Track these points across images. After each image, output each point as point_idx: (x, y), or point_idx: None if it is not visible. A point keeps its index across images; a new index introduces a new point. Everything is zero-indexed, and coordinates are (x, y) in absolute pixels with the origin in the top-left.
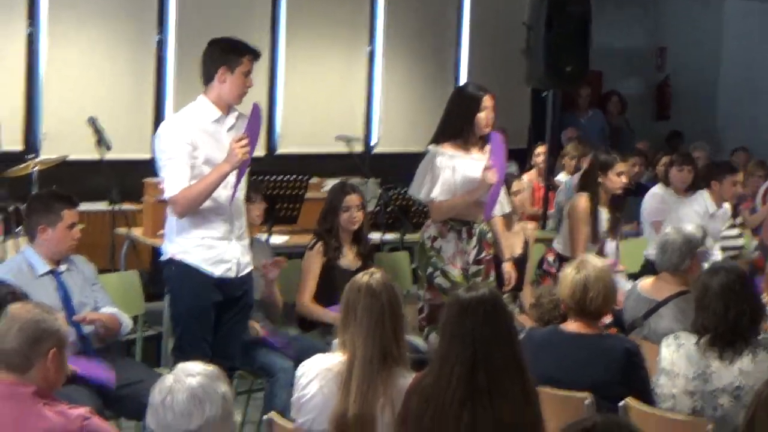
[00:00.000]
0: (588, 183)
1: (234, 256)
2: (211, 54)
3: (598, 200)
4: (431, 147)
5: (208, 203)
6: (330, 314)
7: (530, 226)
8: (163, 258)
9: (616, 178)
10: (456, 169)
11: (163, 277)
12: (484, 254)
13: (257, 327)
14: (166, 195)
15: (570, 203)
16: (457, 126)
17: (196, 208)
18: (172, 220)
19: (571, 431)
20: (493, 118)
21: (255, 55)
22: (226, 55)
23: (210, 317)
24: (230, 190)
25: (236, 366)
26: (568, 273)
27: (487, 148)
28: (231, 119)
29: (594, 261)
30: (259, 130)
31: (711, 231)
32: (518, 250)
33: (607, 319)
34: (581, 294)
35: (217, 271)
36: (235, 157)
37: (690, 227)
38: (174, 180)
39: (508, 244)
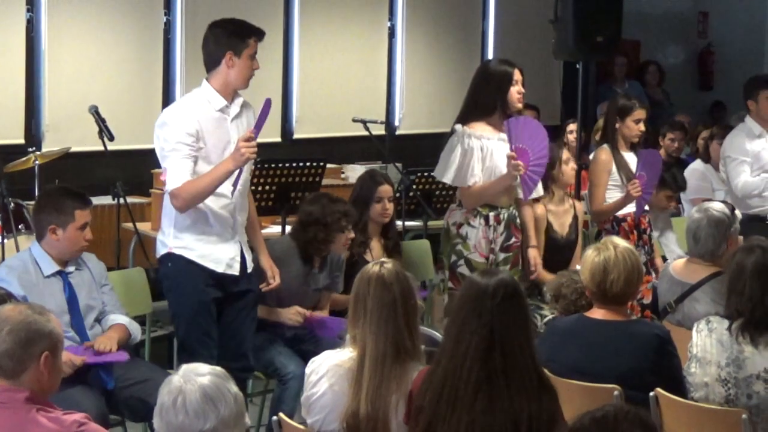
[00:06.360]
0: (606, 132)
1: (236, 253)
2: (215, 38)
3: (617, 147)
4: (458, 127)
5: (210, 198)
6: None
7: (579, 205)
8: (160, 252)
9: (633, 125)
10: (487, 151)
11: (159, 274)
12: (512, 240)
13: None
14: (168, 187)
15: (592, 158)
16: (489, 104)
17: (197, 203)
18: (171, 213)
19: (583, 421)
20: (522, 93)
21: (260, 35)
22: (230, 38)
23: (212, 313)
24: (230, 185)
25: (251, 366)
26: (589, 255)
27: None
28: (235, 108)
29: (616, 241)
30: (263, 125)
31: None
32: (566, 230)
33: (647, 299)
34: (601, 277)
35: (220, 267)
36: (242, 156)
37: (717, 206)
38: (177, 172)
39: (559, 222)
